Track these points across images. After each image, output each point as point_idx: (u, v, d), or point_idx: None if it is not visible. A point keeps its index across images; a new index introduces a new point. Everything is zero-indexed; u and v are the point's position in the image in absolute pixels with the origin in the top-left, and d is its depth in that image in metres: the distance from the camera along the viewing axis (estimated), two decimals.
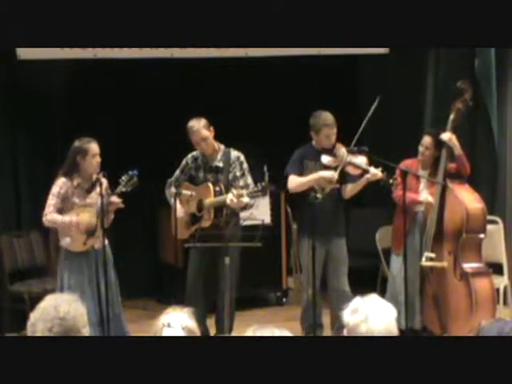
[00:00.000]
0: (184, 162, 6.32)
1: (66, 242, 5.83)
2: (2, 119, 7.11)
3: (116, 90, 7.57)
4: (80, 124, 7.07)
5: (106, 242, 5.96)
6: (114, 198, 5.81)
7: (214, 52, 6.87)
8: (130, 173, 5.75)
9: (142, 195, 7.39)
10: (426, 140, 6.37)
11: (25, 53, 6.51)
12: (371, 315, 2.92)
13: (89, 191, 5.86)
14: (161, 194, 6.37)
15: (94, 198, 5.84)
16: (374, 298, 3.01)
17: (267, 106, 7.94)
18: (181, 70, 7.52)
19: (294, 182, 6.21)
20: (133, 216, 7.67)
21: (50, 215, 5.79)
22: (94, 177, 5.86)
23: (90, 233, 5.84)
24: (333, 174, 5.99)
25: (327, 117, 6.14)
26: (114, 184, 5.88)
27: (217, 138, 6.21)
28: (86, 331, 2.91)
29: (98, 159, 5.82)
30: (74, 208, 5.83)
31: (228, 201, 5.91)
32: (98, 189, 5.79)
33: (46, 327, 2.84)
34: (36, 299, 3.08)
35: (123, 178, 5.75)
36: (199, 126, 6.08)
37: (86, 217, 5.82)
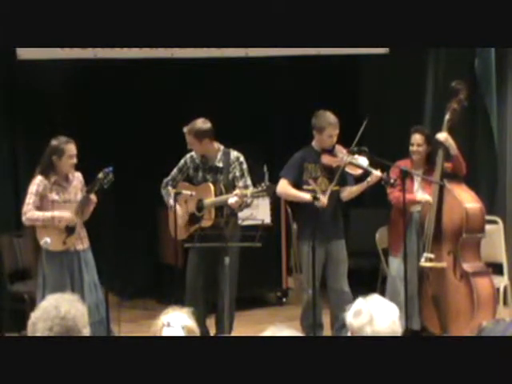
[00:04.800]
0: (182, 161, 6.32)
1: (45, 242, 5.81)
2: (2, 119, 7.11)
3: (116, 89, 7.56)
4: (80, 124, 7.08)
5: (88, 244, 5.98)
6: (93, 197, 5.84)
7: (214, 52, 6.87)
8: (106, 170, 5.77)
9: (142, 195, 7.41)
10: (417, 138, 6.37)
11: (25, 53, 6.50)
12: (375, 317, 2.91)
13: (89, 191, 5.87)
14: (160, 194, 6.36)
15: (73, 193, 5.88)
16: (375, 299, 3.00)
17: (267, 106, 7.93)
18: (181, 70, 7.52)
19: (284, 188, 6.21)
20: (133, 216, 7.68)
21: (30, 213, 5.80)
22: (72, 175, 5.91)
23: (70, 231, 5.85)
24: (323, 202, 5.97)
25: (331, 117, 6.14)
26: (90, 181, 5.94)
27: (217, 138, 6.21)
28: (86, 331, 2.91)
29: (74, 160, 5.85)
30: (54, 204, 5.85)
31: (232, 200, 5.92)
32: (76, 184, 5.91)
33: (46, 327, 2.84)
34: (36, 299, 3.08)
35: (99, 175, 5.77)
36: (188, 131, 6.10)
37: (69, 217, 5.85)
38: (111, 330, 5.94)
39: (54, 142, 5.84)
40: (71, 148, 5.83)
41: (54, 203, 5.85)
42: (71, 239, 5.85)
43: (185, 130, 6.12)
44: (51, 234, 5.81)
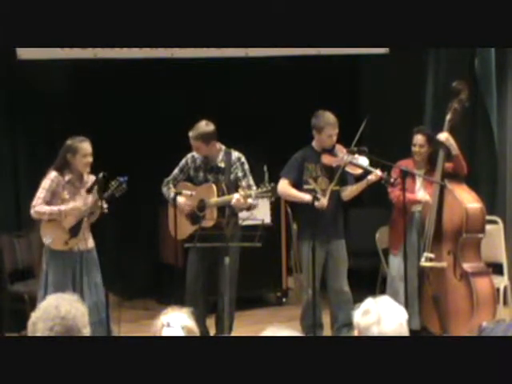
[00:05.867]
0: (184, 161, 6.32)
1: (48, 240, 5.83)
2: (2, 119, 7.11)
3: (116, 90, 7.56)
4: (80, 124, 7.08)
5: (93, 244, 5.98)
6: (103, 203, 5.85)
7: (214, 52, 6.87)
8: (121, 179, 5.77)
9: (142, 195, 7.41)
10: (419, 138, 6.37)
11: (25, 53, 6.50)
12: (383, 317, 2.91)
13: (89, 191, 5.87)
14: (161, 193, 6.36)
15: (84, 195, 5.86)
16: (385, 300, 3.00)
17: (267, 106, 7.93)
18: (181, 70, 7.52)
19: (284, 189, 6.21)
20: (133, 216, 7.68)
21: (39, 207, 5.81)
22: (87, 176, 5.89)
23: (74, 233, 5.85)
24: (322, 203, 5.98)
25: (330, 116, 6.15)
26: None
27: (217, 138, 6.20)
28: (86, 331, 2.91)
29: (88, 159, 5.84)
30: (64, 203, 5.85)
31: (234, 201, 5.91)
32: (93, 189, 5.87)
33: (46, 326, 2.84)
34: (36, 299, 3.08)
35: (112, 183, 5.78)
36: (195, 137, 6.08)
37: (75, 209, 5.85)
38: (111, 330, 5.95)
39: (68, 141, 5.85)
40: (85, 146, 5.83)
41: (64, 202, 5.86)
42: (73, 241, 5.86)
43: (190, 135, 6.10)
44: (55, 232, 5.83)
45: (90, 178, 5.94)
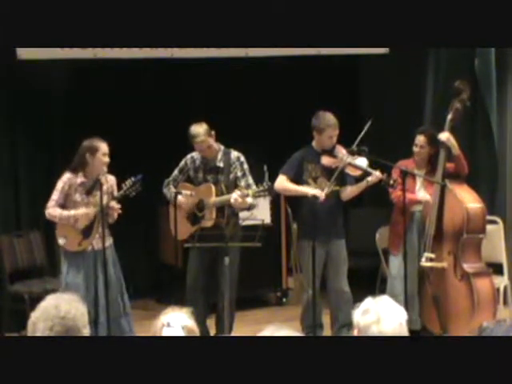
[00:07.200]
0: (183, 162, 6.32)
1: (61, 240, 5.87)
2: (2, 119, 7.11)
3: (116, 89, 7.56)
4: (80, 124, 7.08)
5: (111, 241, 5.98)
6: (113, 204, 5.83)
7: (214, 52, 6.87)
8: (134, 179, 5.76)
9: (142, 195, 7.41)
10: (420, 139, 6.38)
11: (25, 53, 6.50)
12: (383, 317, 2.92)
13: (89, 192, 5.87)
14: (161, 193, 6.37)
15: (97, 198, 5.85)
16: (385, 300, 3.01)
17: (267, 106, 7.93)
18: (181, 70, 7.52)
19: (282, 184, 6.21)
20: (133, 216, 7.68)
21: (51, 209, 5.85)
22: (105, 178, 5.91)
23: (86, 234, 5.86)
24: (321, 194, 5.99)
25: (330, 117, 6.15)
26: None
27: (217, 138, 6.21)
28: (86, 331, 2.92)
29: (107, 159, 5.84)
30: (76, 205, 5.86)
31: (232, 200, 5.91)
32: (106, 188, 5.87)
33: (46, 326, 2.84)
34: (36, 299, 3.08)
35: (126, 182, 5.77)
36: (203, 137, 6.06)
37: (84, 215, 5.85)
38: (131, 330, 6.02)
39: (86, 142, 5.84)
40: (104, 146, 5.82)
41: (76, 204, 5.87)
42: (87, 242, 5.87)
43: (198, 139, 6.08)
44: (68, 234, 5.87)
45: (108, 179, 5.94)
